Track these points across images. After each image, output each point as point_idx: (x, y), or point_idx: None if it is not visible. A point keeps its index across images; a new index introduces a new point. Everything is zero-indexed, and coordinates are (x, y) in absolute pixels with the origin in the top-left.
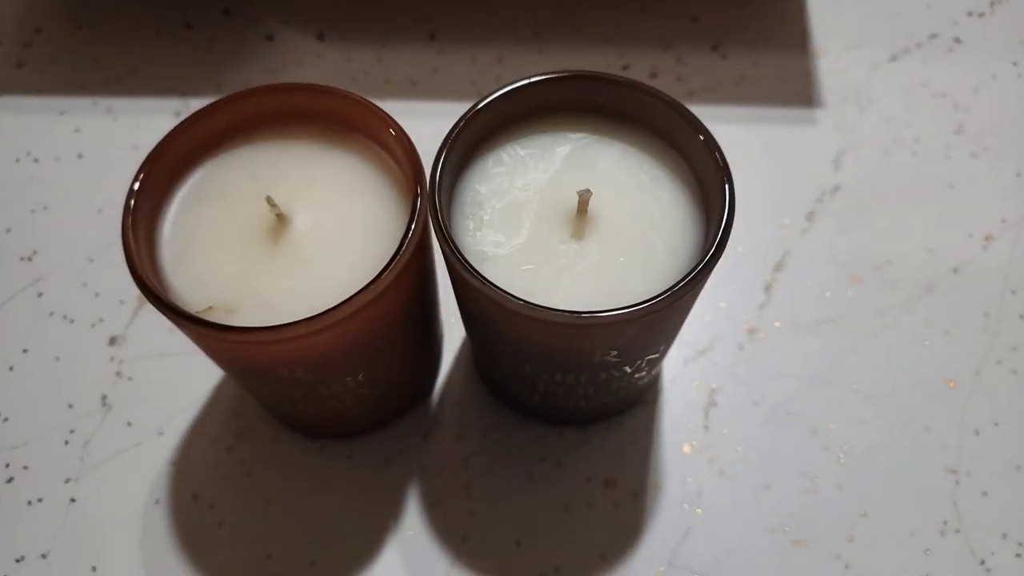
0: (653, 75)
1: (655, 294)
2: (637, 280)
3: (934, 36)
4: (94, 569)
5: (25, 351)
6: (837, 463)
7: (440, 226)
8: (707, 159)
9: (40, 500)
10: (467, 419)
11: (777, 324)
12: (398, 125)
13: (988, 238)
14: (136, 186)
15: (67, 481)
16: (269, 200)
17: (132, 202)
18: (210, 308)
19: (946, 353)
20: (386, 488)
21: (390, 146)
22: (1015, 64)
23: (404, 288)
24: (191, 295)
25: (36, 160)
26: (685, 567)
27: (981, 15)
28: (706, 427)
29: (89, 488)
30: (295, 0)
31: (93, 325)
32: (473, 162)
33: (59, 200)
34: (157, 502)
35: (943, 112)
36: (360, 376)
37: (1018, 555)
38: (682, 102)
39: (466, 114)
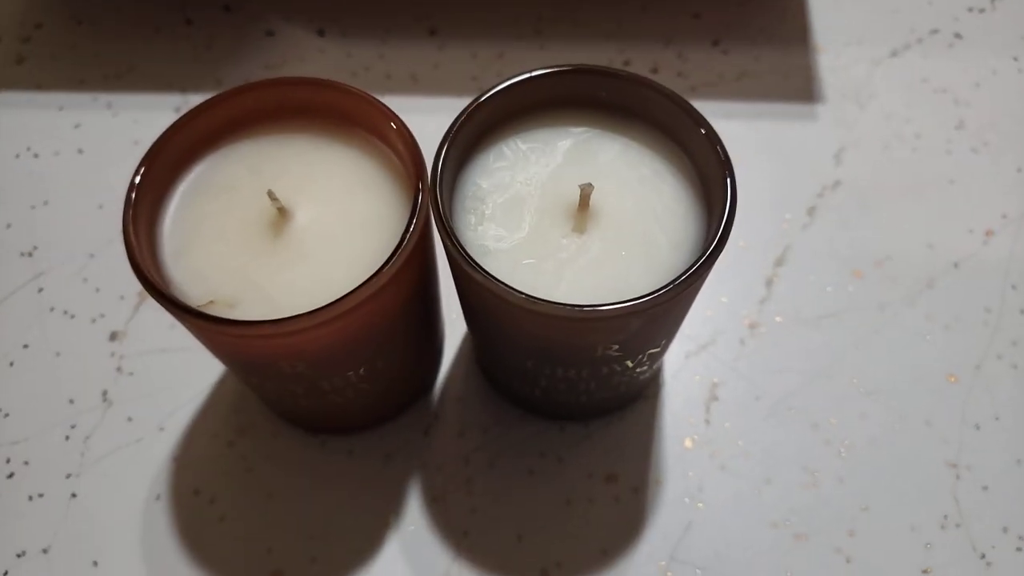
0: (654, 71)
1: (657, 288)
2: (639, 274)
3: (935, 32)
4: (95, 564)
5: (26, 347)
6: (838, 457)
7: (442, 220)
8: (709, 153)
9: (41, 495)
10: (468, 414)
11: (778, 319)
12: (399, 119)
13: (989, 233)
14: (137, 180)
15: (68, 476)
16: (270, 194)
17: (133, 196)
18: (211, 302)
19: (947, 348)
20: (387, 483)
21: (391, 140)
22: (1016, 59)
23: (405, 283)
24: (192, 289)
25: (36, 156)
26: (686, 561)
27: (982, 11)
28: (707, 422)
29: (90, 483)
30: None
31: (94, 320)
32: (474, 156)
33: (59, 196)
34: (158, 497)
35: (944, 108)
36: (361, 371)
37: (1019, 549)
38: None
39: (467, 108)
